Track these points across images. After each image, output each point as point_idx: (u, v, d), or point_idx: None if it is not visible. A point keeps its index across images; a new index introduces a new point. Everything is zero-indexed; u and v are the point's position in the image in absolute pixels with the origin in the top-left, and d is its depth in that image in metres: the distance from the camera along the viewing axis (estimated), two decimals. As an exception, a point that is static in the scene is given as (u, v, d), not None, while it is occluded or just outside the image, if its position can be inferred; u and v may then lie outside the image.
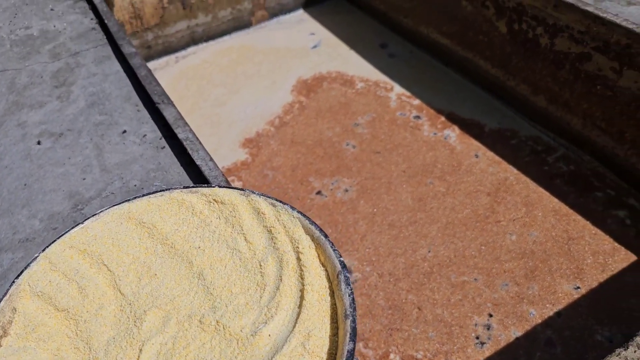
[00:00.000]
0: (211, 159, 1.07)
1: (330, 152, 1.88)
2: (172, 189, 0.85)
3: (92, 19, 1.65)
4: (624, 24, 1.48)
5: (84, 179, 1.14)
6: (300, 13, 2.66)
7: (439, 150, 1.85)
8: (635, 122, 1.56)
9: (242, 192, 0.83)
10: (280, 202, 0.81)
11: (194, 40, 2.45)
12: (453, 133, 1.91)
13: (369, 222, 1.64)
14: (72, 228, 0.79)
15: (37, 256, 0.76)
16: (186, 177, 1.12)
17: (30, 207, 1.10)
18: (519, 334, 1.36)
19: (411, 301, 1.44)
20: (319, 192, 1.75)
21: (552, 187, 1.69)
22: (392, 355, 1.34)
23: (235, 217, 0.80)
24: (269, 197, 0.82)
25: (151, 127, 1.25)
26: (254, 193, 0.83)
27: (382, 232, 1.61)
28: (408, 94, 2.10)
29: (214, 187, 0.85)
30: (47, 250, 0.76)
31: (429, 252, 1.55)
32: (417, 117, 1.99)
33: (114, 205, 0.82)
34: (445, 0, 2.07)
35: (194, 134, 1.14)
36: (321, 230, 0.75)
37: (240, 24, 2.54)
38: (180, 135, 1.14)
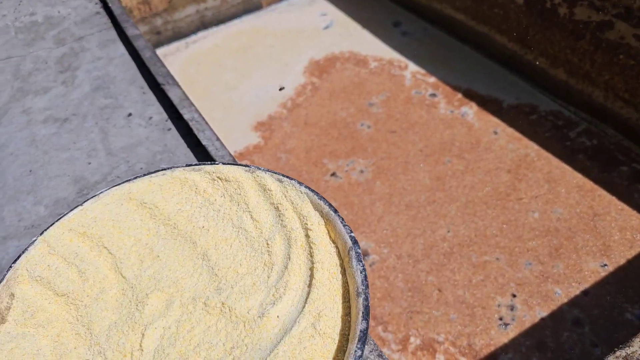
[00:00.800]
0: (218, 139, 1.04)
1: (344, 132, 1.83)
2: (174, 167, 0.81)
3: (96, 4, 1.62)
4: (648, -13, 1.41)
5: (90, 163, 1.11)
6: (311, -6, 2.61)
7: (457, 128, 1.79)
8: (661, 91, 1.49)
9: (247, 168, 0.79)
10: (287, 177, 0.77)
11: (204, 24, 2.41)
12: (470, 110, 1.85)
13: (386, 203, 1.60)
14: (71, 210, 0.76)
15: (35, 240, 0.72)
16: (193, 159, 1.08)
17: (36, 194, 1.07)
18: (545, 314, 1.32)
19: (431, 283, 1.40)
20: (333, 174, 1.70)
21: (575, 162, 1.63)
22: (412, 339, 1.30)
23: (240, 194, 0.77)
24: (276, 173, 0.78)
25: (157, 109, 1.22)
26: (260, 169, 0.79)
27: (399, 212, 1.57)
28: (423, 71, 2.04)
29: (217, 164, 0.81)
30: (45, 233, 0.73)
31: (449, 232, 1.50)
32: (433, 95, 1.94)
33: (114, 186, 0.79)
34: (459, -26, 2.01)
35: (200, 114, 1.10)
36: (330, 206, 0.71)
37: (251, 7, 2.49)
38: (186, 116, 1.11)
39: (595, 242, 1.43)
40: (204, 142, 1.04)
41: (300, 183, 0.76)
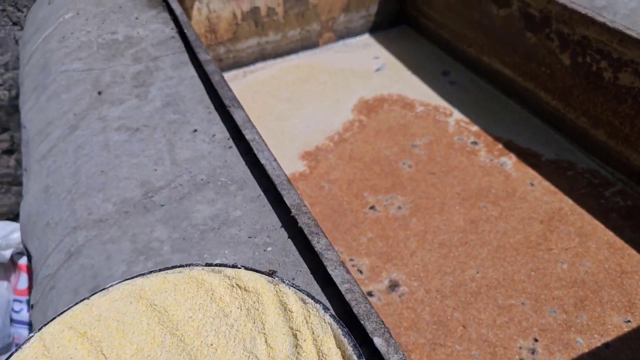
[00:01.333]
0: (275, 160, 1.12)
1: (386, 169, 1.91)
2: (192, 265, 0.75)
3: (172, 29, 1.74)
4: (690, 60, 1.46)
5: (156, 170, 1.20)
6: (366, 37, 2.72)
7: (495, 176, 1.85)
8: (697, 159, 1.53)
9: (271, 279, 0.71)
10: (312, 298, 0.68)
11: (263, 56, 2.53)
12: (509, 161, 1.91)
13: (420, 240, 1.65)
14: (76, 304, 0.69)
15: (32, 336, 0.64)
16: (250, 175, 1.17)
17: (105, 192, 1.17)
18: (564, 361, 1.34)
19: (456, 319, 1.44)
20: (372, 207, 1.77)
21: (608, 220, 1.67)
22: (434, 370, 1.34)
23: (258, 310, 0.68)
24: (300, 290, 0.69)
25: (220, 129, 1.31)
26: (284, 282, 0.71)
27: (432, 250, 1.62)
28: (467, 120, 2.11)
29: (239, 268, 0.74)
30: (44, 329, 0.66)
31: (478, 273, 1.55)
32: (475, 142, 2.00)
33: (125, 280, 0.72)
34: (509, 31, 2.08)
35: (260, 136, 1.19)
36: (355, 347, 0.62)
37: (308, 44, 2.61)
38: (248, 136, 1.19)
39: (621, 298, 1.46)
40: (262, 161, 1.12)
41: (325, 309, 0.66)
